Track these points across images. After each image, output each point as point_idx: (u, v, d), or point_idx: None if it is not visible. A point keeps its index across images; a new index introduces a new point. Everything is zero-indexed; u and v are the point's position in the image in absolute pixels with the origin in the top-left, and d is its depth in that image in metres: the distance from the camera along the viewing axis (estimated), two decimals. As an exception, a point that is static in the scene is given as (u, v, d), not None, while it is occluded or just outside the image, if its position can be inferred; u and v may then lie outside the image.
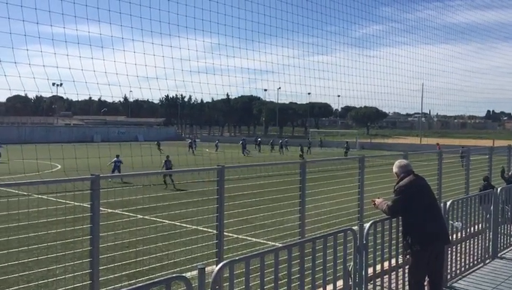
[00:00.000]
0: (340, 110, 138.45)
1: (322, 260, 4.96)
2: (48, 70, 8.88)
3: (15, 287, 7.08)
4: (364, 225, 5.46)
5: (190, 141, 58.00)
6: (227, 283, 3.84)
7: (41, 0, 7.91)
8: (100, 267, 5.78)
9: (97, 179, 5.62)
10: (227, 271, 3.79)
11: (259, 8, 11.64)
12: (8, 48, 8.37)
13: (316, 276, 4.82)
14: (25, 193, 16.37)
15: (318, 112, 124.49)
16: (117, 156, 28.83)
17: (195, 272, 6.05)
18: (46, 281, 7.64)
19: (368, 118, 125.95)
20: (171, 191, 20.79)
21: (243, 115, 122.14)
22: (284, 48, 13.12)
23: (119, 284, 6.87)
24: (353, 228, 5.37)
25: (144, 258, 8.34)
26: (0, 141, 40.54)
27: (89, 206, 5.63)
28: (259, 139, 67.62)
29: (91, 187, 5.61)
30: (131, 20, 9.27)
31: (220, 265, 3.59)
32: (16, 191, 15.33)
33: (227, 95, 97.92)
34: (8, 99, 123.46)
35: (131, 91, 77.46)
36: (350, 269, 5.28)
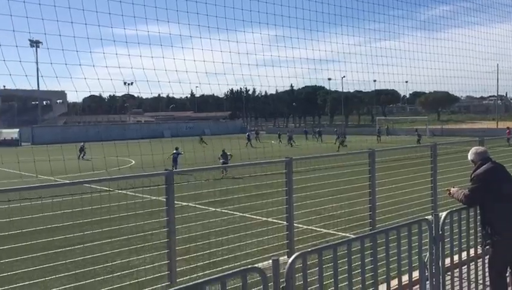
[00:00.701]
0: (408, 96, 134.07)
1: (395, 251, 4.88)
2: (119, 71, 9.30)
3: (100, 277, 7.53)
4: (440, 214, 5.29)
5: (248, 134, 58.52)
6: (299, 274, 3.89)
7: (115, 5, 8.28)
8: (176, 258, 6.03)
9: (171, 174, 5.86)
10: (299, 262, 3.83)
11: (322, -4, 11.52)
12: (86, 52, 8.86)
13: (390, 267, 4.75)
14: (107, 189, 17.28)
15: (385, 100, 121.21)
16: (176, 149, 29.80)
17: (266, 263, 6.16)
18: (127, 271, 8.05)
19: (439, 103, 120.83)
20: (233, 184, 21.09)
21: (308, 106, 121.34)
22: (348, 36, 12.91)
23: (195, 275, 7.12)
24: (427, 218, 5.24)
25: (217, 249, 8.57)
26: (82, 140, 42.92)
27: (162, 199, 5.88)
28: (317, 129, 67.76)
29: (166, 182, 5.86)
30: (198, 18, 9.50)
31: (293, 257, 3.64)
32: (100, 187, 16.24)
33: (291, 86, 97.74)
34: (84, 99, 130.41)
35: (197, 87, 79.35)
36: (426, 260, 5.16)
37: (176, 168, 28.91)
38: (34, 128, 76.00)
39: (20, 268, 7.50)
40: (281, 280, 3.46)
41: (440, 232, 5.18)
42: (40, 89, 75.82)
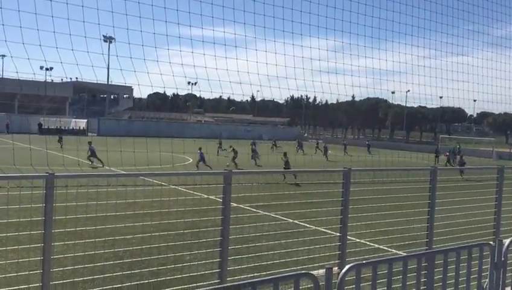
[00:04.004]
0: (475, 115, 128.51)
1: (453, 274, 4.70)
2: (183, 70, 9.54)
3: (152, 268, 7.75)
4: (504, 240, 5.05)
5: (298, 140, 58.05)
6: (349, 287, 3.83)
7: (183, 2, 8.49)
8: (228, 258, 6.10)
9: (230, 174, 5.94)
10: (350, 274, 3.78)
11: (393, 5, 11.29)
12: (151, 48, 9.15)
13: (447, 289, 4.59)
14: (163, 183, 17.75)
15: (450, 117, 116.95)
16: (199, 149, 30.09)
17: (316, 272, 6.10)
18: (178, 265, 8.23)
19: (508, 125, 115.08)
20: (289, 190, 21.06)
21: (368, 118, 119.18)
22: (416, 47, 12.55)
23: (244, 276, 7.17)
24: (490, 243, 5.01)
25: (268, 253, 8.59)
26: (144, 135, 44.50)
27: (215, 198, 5.97)
28: (367, 142, 66.91)
29: (224, 181, 5.95)
30: (264, 20, 9.56)
31: (346, 267, 3.60)
32: (154, 181, 16.70)
33: (352, 96, 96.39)
34: (149, 95, 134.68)
35: (258, 91, 79.99)
36: (485, 286, 4.94)
37: (198, 166, 29.58)
38: (100, 120, 79.37)
39: (70, 253, 7.85)
40: (333, 290, 3.44)
41: (503, 259, 4.94)
42: (110, 83, 79.41)
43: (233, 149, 33.44)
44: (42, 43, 7.49)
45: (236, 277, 6.80)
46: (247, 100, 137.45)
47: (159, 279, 7.40)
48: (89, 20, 7.87)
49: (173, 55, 9.25)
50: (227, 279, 6.05)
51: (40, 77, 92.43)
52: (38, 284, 5.21)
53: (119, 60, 8.48)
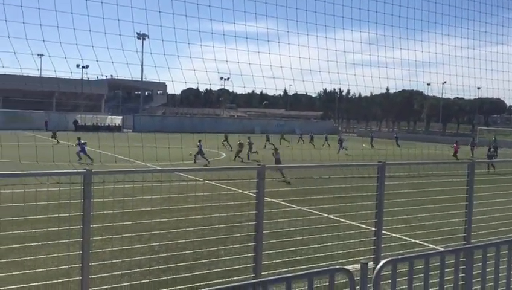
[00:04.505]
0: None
1: (492, 269, 4.58)
2: (216, 65, 9.60)
3: (187, 263, 7.86)
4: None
5: (326, 135, 56.27)
6: (384, 282, 3.78)
7: (215, -1, 8.54)
8: (262, 252, 6.12)
9: (263, 169, 5.95)
10: (386, 269, 3.73)
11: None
12: (184, 44, 9.23)
13: (487, 285, 4.48)
14: (198, 179, 17.93)
15: (488, 109, 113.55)
16: (199, 141, 30.04)
17: (350, 267, 6.05)
18: (212, 260, 8.32)
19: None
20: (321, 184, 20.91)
21: (403, 110, 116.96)
22: (453, 37, 12.21)
23: (278, 270, 7.19)
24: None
25: (302, 248, 8.57)
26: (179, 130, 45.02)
27: (249, 193, 5.99)
28: (395, 134, 65.36)
29: (257, 176, 5.97)
30: (296, 14, 9.50)
31: (382, 262, 3.56)
32: (189, 176, 16.86)
33: (386, 89, 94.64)
34: (183, 91, 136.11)
35: (291, 85, 79.64)
36: (527, 282, 4.79)
37: (196, 160, 29.58)
38: (135, 117, 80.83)
39: (108, 247, 8.04)
40: (368, 285, 3.40)
41: (545, 254, 4.77)
42: (144, 80, 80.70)
43: (240, 143, 33.05)
44: (78, 42, 7.68)
45: (270, 272, 6.83)
46: (279, 94, 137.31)
47: (194, 273, 7.50)
48: (122, 18, 8.01)
49: (206, 51, 9.32)
50: (262, 273, 6.07)
51: (77, 75, 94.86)
52: (78, 278, 5.36)
53: (152, 56, 8.61)
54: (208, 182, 16.46)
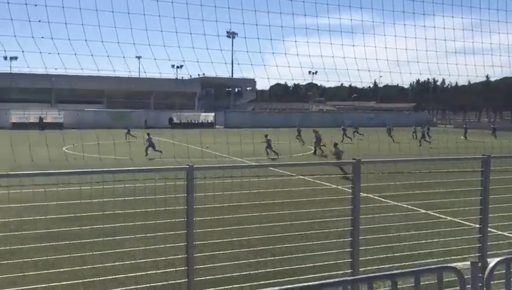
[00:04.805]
0: None
1: None
2: (306, 60, 9.60)
3: (283, 256, 7.97)
4: None
5: (414, 127, 51.73)
6: (497, 281, 3.59)
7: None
8: (359, 248, 6.07)
9: (359, 163, 5.89)
10: (497, 268, 3.54)
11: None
12: (274, 40, 9.34)
13: None
14: (292, 174, 18.11)
15: None
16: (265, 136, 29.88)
17: (455, 265, 5.80)
18: (307, 254, 8.35)
19: None
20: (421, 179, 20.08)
21: (506, 99, 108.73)
22: None
23: (375, 267, 7.07)
24: None
25: (399, 244, 8.36)
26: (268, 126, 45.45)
27: (342, 188, 5.95)
28: (492, 125, 59.51)
29: (352, 171, 5.92)
30: (382, 3, 9.25)
31: (495, 261, 3.38)
32: (284, 172, 17.06)
33: (486, 76, 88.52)
34: (271, 87, 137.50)
35: (381, 76, 77.29)
36: None
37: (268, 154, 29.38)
38: (227, 113, 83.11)
39: (209, 239, 8.36)
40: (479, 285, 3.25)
41: None
42: (233, 77, 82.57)
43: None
44: (172, 44, 8.09)
45: (368, 268, 6.74)
46: (369, 87, 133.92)
47: (289, 267, 7.60)
48: (212, 18, 8.30)
49: (292, 46, 9.39)
50: (360, 269, 6.02)
51: (172, 75, 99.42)
52: (184, 268, 5.67)
53: (242, 54, 8.86)
54: (301, 177, 16.55)
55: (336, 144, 22.82)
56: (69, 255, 7.38)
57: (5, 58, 79.34)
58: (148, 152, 29.02)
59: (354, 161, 5.97)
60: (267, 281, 7.10)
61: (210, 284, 6.76)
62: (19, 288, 6.01)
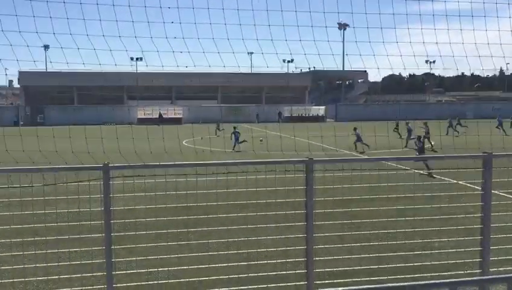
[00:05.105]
0: None
1: None
2: (420, 48, 9.12)
3: (401, 253, 7.71)
4: None
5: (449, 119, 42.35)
6: None
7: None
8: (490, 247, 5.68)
9: (490, 157, 5.49)
10: None
11: None
12: (386, 29, 8.98)
13: None
14: (406, 167, 17.45)
15: None
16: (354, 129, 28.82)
17: None
18: (428, 252, 8.00)
19: None
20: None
21: None
22: None
23: (502, 268, 6.55)
24: None
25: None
26: (381, 119, 43.79)
27: (465, 184, 5.56)
28: None
29: (483, 165, 5.53)
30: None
31: None
32: (398, 165, 16.44)
33: None
34: (384, 78, 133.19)
35: (508, 63, 70.85)
36: None
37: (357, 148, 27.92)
38: (338, 106, 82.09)
39: (330, 232, 8.33)
40: None
41: None
42: (345, 69, 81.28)
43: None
44: (281, 37, 8.15)
45: (501, 268, 6.27)
46: (494, 75, 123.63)
47: (408, 264, 7.34)
48: (319, 9, 8.21)
49: (405, 34, 8.97)
50: (490, 270, 5.63)
51: (283, 69, 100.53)
52: (303, 259, 5.75)
53: (353, 45, 8.68)
54: (416, 171, 15.83)
55: (419, 137, 21.45)
56: (204, 241, 7.83)
57: (132, 58, 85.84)
58: (237, 145, 29.77)
59: (484, 154, 5.58)
60: (385, 277, 6.93)
61: (329, 276, 6.77)
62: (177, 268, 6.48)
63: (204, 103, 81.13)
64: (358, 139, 29.06)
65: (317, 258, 5.89)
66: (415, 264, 7.39)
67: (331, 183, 7.92)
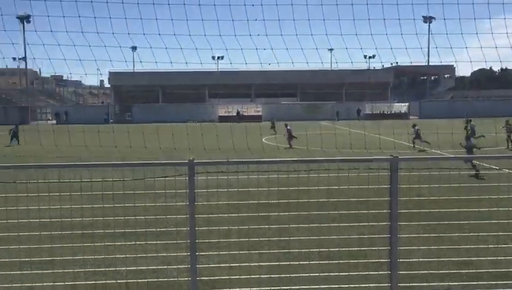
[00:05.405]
0: None
1: None
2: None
3: (491, 257, 7.27)
4: None
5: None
6: None
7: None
8: None
9: None
10: None
11: None
12: (476, 20, 8.47)
13: None
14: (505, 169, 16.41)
15: None
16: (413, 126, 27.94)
17: None
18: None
19: None
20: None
21: None
22: None
23: None
24: None
25: None
26: (467, 115, 41.37)
27: None
28: None
29: None
30: None
31: None
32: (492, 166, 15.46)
33: None
34: (473, 73, 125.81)
35: None
36: None
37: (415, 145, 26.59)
38: (422, 102, 78.96)
39: (414, 233, 8.03)
40: None
41: None
42: (429, 64, 77.88)
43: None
44: (364, 32, 7.94)
45: None
46: None
47: (500, 270, 6.91)
48: (404, 1, 7.89)
49: (498, 26, 8.40)
50: None
51: (364, 65, 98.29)
52: (386, 260, 5.58)
53: (439, 38, 8.28)
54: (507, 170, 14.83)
55: (468, 137, 19.56)
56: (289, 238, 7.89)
57: (213, 57, 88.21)
58: (291, 142, 29.38)
59: None
60: (474, 282, 6.58)
61: (412, 279, 6.54)
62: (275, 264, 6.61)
63: (284, 101, 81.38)
64: (417, 136, 27.75)
65: (401, 260, 5.69)
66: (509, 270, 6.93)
67: (417, 183, 7.63)
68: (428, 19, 72.29)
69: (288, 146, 29.06)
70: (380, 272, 6.03)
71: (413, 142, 27.75)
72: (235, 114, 72.20)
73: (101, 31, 7.11)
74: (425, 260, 7.28)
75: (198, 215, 5.50)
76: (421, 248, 7.16)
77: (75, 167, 5.69)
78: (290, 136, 29.83)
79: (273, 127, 40.92)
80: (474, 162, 16.21)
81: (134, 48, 70.41)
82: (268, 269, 6.87)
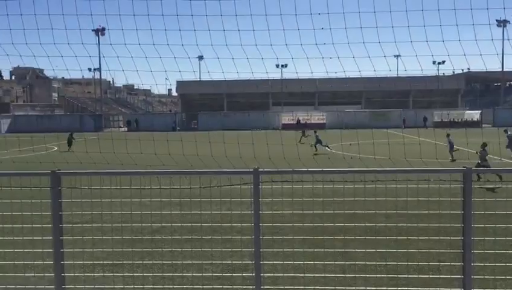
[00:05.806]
0: None
1: None
2: None
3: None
4: None
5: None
6: None
7: None
8: None
9: None
10: None
11: None
12: None
13: None
14: None
15: None
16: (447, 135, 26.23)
17: None
18: None
19: None
20: None
21: None
22: None
23: None
24: None
25: None
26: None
27: None
28: None
29: None
30: None
31: None
32: None
33: None
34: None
35: None
36: None
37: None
38: (496, 110, 75.08)
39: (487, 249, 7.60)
40: None
41: None
42: (504, 70, 74.01)
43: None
44: (436, 38, 7.63)
45: None
46: None
47: None
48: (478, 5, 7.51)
49: None
50: None
51: (432, 71, 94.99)
52: (458, 276, 5.33)
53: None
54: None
55: (484, 145, 17.96)
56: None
57: (277, 66, 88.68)
58: (317, 148, 31.12)
59: None
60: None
61: (486, 285, 6.20)
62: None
63: (347, 108, 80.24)
64: (452, 146, 26.03)
65: (475, 277, 5.41)
66: None
67: (491, 196, 7.24)
68: (502, 23, 68.88)
69: (353, 156, 28.47)
70: (452, 289, 5.76)
71: (452, 155, 25.87)
72: (296, 122, 72.04)
73: (171, 42, 7.33)
74: (502, 277, 6.88)
75: (263, 224, 5.51)
76: (497, 264, 6.77)
77: (145, 175, 5.89)
78: (318, 141, 31.90)
79: (303, 135, 41.62)
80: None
81: (200, 58, 72.26)
82: (333, 280, 6.76)
